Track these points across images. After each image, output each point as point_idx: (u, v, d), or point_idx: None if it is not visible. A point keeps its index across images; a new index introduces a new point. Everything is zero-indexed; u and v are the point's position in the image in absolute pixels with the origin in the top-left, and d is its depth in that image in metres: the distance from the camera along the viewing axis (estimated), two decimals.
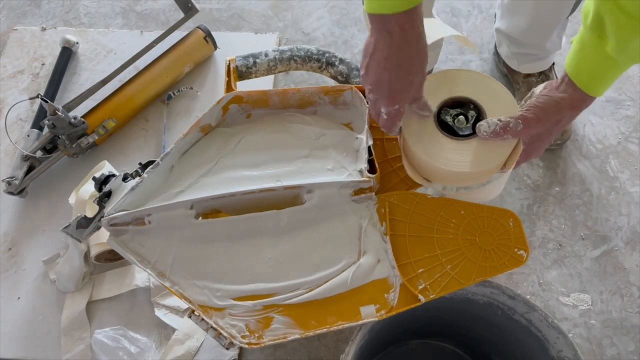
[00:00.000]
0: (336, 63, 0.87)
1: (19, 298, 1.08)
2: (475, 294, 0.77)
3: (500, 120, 0.67)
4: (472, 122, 0.73)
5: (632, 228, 1.11)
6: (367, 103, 0.68)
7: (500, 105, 0.73)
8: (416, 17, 0.61)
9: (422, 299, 0.67)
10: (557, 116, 0.67)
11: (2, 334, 1.05)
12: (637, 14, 0.55)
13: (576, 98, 0.66)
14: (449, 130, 0.73)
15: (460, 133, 0.72)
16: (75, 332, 1.03)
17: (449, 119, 0.73)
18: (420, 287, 0.68)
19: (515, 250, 0.70)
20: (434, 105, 0.73)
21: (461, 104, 0.74)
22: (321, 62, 0.87)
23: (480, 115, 0.73)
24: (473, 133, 0.72)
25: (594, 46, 0.63)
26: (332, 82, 1.11)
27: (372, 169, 0.73)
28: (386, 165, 0.77)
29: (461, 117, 0.73)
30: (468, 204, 0.73)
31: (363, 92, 0.78)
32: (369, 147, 0.74)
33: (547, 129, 0.68)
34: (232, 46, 1.36)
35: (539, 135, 0.68)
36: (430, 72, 1.25)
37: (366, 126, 0.75)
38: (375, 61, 0.62)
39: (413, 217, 0.72)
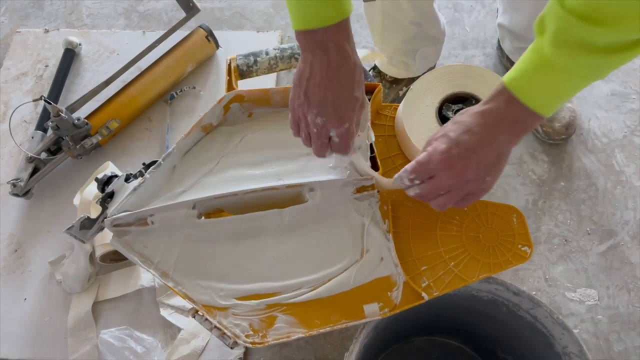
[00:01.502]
0: None
1: (25, 299, 1.09)
2: (480, 290, 0.76)
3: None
4: None
5: (638, 222, 1.10)
6: (309, 132, 0.63)
7: None
8: (348, 30, 0.60)
9: (426, 297, 0.66)
10: (474, 132, 0.56)
11: (9, 335, 1.05)
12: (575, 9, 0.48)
13: (504, 107, 0.55)
14: None
15: None
16: (81, 332, 1.04)
17: (450, 114, 0.73)
18: (423, 285, 0.68)
19: (519, 246, 0.69)
20: (435, 101, 0.73)
21: (463, 99, 0.74)
22: None
23: None
24: None
25: (533, 45, 0.56)
26: None
27: (374, 166, 0.73)
28: (388, 163, 0.77)
29: None
30: None
31: (366, 90, 0.77)
32: (371, 145, 0.73)
33: (464, 154, 0.56)
34: (234, 45, 1.36)
35: (455, 172, 0.57)
36: (432, 67, 1.25)
37: (368, 123, 0.74)
38: (315, 84, 0.60)
39: (416, 215, 0.72)
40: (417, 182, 0.60)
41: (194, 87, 1.29)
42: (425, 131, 0.72)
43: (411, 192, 0.62)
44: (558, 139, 1.17)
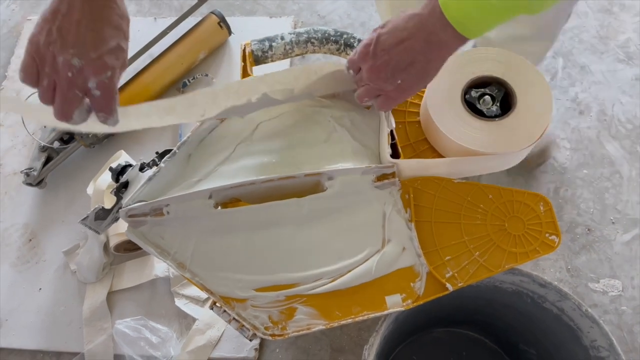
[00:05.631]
0: (355, 44, 0.84)
1: (40, 289, 1.08)
2: (504, 282, 0.74)
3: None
4: (498, 102, 0.70)
5: None
6: (55, 79, 0.53)
7: (530, 84, 0.70)
8: None
9: (450, 288, 0.64)
10: (405, 33, 0.55)
11: (24, 325, 1.05)
12: None
13: (427, 15, 0.53)
14: (477, 110, 0.70)
15: (487, 114, 0.70)
16: (97, 322, 1.03)
17: (474, 96, 0.71)
18: (447, 275, 0.66)
19: (547, 235, 0.67)
20: (460, 85, 0.70)
21: (488, 83, 0.72)
22: (339, 43, 0.84)
23: (508, 94, 0.70)
24: (501, 114, 0.69)
25: None
26: None
27: (395, 154, 0.71)
28: (409, 150, 0.74)
29: (487, 97, 0.71)
30: (496, 188, 0.70)
31: None
32: (392, 131, 0.71)
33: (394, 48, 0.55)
34: (246, 31, 1.33)
35: (390, 61, 0.56)
36: None
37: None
38: (73, 21, 0.51)
39: (438, 203, 0.69)
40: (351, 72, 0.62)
41: (206, 75, 1.27)
42: (450, 116, 0.69)
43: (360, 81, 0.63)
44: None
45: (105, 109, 0.55)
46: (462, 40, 0.54)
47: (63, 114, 0.54)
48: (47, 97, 0.54)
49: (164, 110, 0.62)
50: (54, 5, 0.53)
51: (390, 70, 0.57)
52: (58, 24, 0.52)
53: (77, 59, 0.51)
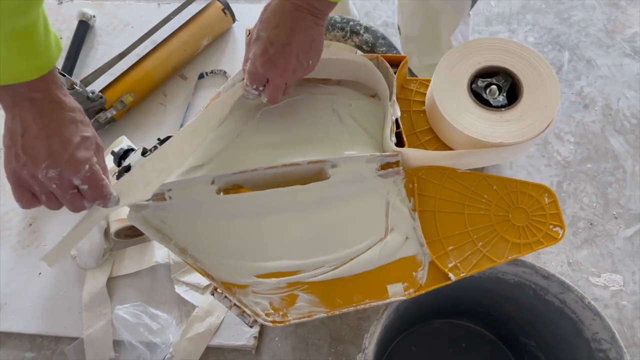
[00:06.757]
0: (361, 31, 0.83)
1: (40, 274, 1.08)
2: (506, 273, 0.74)
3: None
4: (504, 92, 0.70)
5: None
6: (49, 191, 0.54)
7: (537, 75, 0.69)
8: (55, 78, 0.55)
9: (453, 277, 0.64)
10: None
11: (24, 310, 1.05)
12: None
13: None
14: (483, 100, 0.70)
15: (493, 104, 0.69)
16: (96, 307, 1.03)
17: (481, 86, 0.70)
18: (450, 265, 0.65)
19: (551, 226, 0.67)
20: (467, 74, 0.70)
21: (494, 73, 0.71)
22: (345, 30, 0.83)
23: (515, 84, 0.69)
24: (508, 104, 0.68)
25: None
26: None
27: (399, 143, 0.70)
28: (414, 139, 0.74)
29: (493, 86, 0.70)
30: (500, 179, 0.69)
31: (389, 62, 0.74)
32: (397, 120, 0.71)
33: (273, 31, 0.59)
34: (250, 18, 1.32)
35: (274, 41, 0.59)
36: None
37: (393, 97, 0.71)
38: (33, 137, 0.52)
39: (442, 193, 0.69)
40: (261, 89, 0.63)
41: (224, 72, 1.25)
42: (456, 105, 0.69)
43: (265, 99, 0.65)
44: None
45: (98, 197, 0.56)
46: (333, 5, 0.60)
47: (75, 210, 0.56)
48: (54, 207, 0.56)
49: (190, 134, 0.66)
50: (8, 127, 0.54)
51: (301, 57, 0.60)
52: (21, 146, 0.53)
53: (52, 170, 0.52)
